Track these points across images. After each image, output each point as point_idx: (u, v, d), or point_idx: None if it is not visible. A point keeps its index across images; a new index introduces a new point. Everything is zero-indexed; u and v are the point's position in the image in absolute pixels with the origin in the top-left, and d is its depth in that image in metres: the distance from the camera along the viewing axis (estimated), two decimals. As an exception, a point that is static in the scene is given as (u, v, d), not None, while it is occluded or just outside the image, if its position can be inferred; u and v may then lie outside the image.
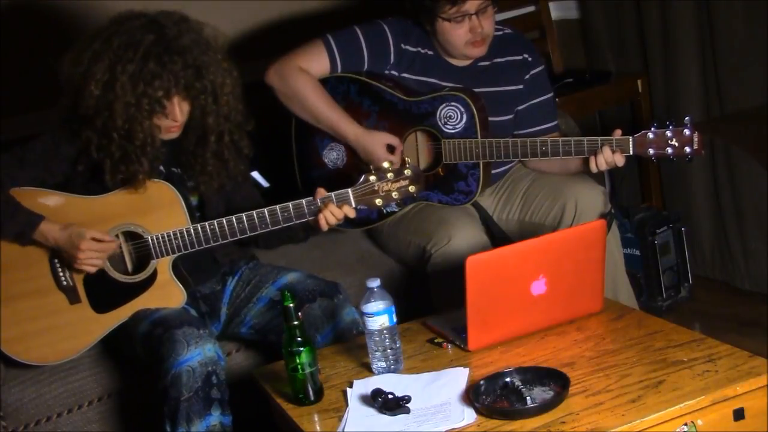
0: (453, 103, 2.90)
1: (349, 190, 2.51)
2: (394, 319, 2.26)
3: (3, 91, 3.24)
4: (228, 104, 2.52)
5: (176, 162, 2.61)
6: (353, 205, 2.51)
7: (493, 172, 3.04)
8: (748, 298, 3.56)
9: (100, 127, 2.44)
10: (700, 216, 3.69)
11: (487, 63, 3.01)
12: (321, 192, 2.51)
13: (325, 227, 2.52)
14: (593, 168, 2.77)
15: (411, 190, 2.53)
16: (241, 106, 2.57)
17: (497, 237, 3.06)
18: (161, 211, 2.53)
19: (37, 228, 2.46)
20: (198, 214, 2.64)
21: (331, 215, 2.49)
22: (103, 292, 2.55)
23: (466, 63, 2.99)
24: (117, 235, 2.54)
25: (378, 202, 2.52)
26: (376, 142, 2.92)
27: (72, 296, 2.56)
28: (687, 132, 2.67)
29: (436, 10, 2.84)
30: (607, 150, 2.73)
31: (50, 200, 2.52)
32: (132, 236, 2.56)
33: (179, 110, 2.47)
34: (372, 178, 2.51)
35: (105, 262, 2.53)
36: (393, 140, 2.92)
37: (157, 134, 2.48)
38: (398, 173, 2.52)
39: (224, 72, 2.50)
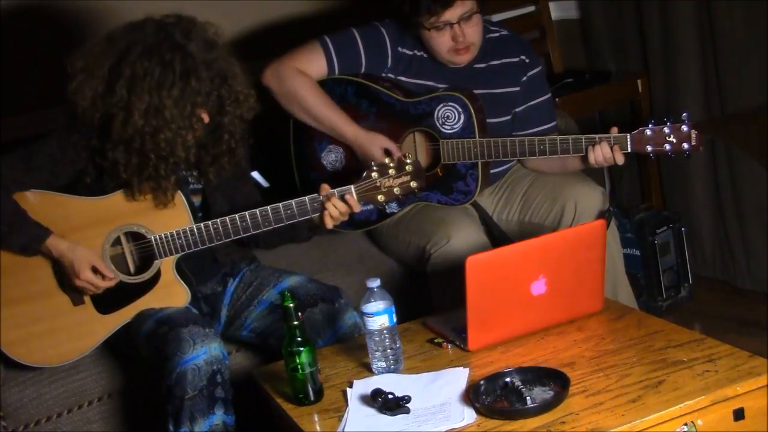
0: (450, 104, 2.90)
1: (352, 186, 2.52)
2: (394, 319, 2.26)
3: (3, 91, 3.24)
4: (246, 110, 2.53)
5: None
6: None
7: (492, 171, 3.04)
8: (748, 298, 3.56)
9: (137, 148, 2.42)
10: (700, 216, 3.69)
11: (483, 65, 3.00)
12: (324, 188, 2.52)
13: (330, 224, 2.52)
14: (591, 161, 2.76)
15: (413, 186, 2.54)
16: (247, 91, 2.56)
17: (497, 237, 3.06)
18: (164, 211, 2.53)
19: (42, 243, 2.46)
20: (200, 214, 2.64)
21: (334, 208, 2.49)
22: (107, 292, 2.55)
23: (461, 65, 2.99)
24: (119, 237, 2.54)
25: (380, 198, 2.53)
26: (374, 143, 2.92)
27: (75, 297, 2.56)
28: (685, 128, 2.67)
29: (416, 19, 2.84)
30: (605, 145, 2.73)
31: (54, 202, 2.51)
32: (135, 236, 2.56)
33: (206, 116, 2.48)
34: (374, 174, 2.51)
35: (109, 263, 2.53)
36: (391, 145, 2.91)
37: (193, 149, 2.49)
38: (400, 169, 2.52)
39: (241, 73, 2.51)
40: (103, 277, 2.50)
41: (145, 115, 2.38)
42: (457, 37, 2.85)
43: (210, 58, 2.43)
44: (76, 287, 2.52)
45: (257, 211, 2.51)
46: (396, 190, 2.53)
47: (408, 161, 2.53)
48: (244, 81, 2.52)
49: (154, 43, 2.40)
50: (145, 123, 2.39)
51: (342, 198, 2.50)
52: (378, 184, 2.52)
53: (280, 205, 2.52)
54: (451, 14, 2.82)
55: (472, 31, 2.87)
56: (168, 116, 2.38)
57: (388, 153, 2.91)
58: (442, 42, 2.88)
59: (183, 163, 2.49)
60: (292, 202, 2.51)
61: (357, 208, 2.52)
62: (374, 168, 2.52)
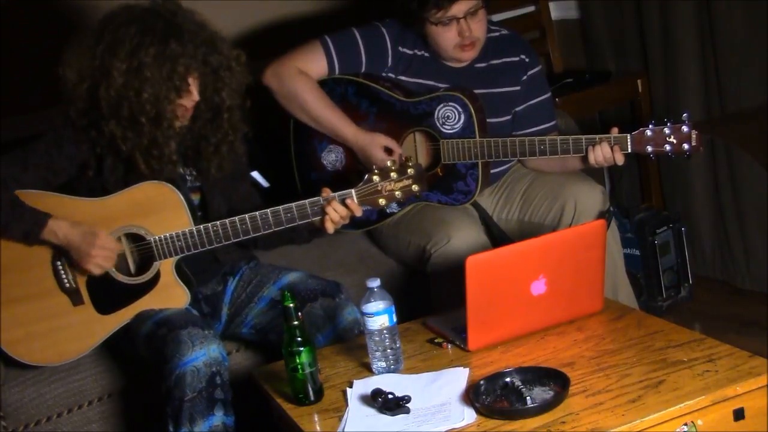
0: (451, 104, 2.90)
1: (353, 190, 2.51)
2: (394, 319, 2.26)
3: (3, 91, 3.24)
4: (240, 76, 2.53)
5: (182, 160, 2.62)
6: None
7: (492, 171, 3.04)
8: (748, 298, 3.56)
9: (126, 115, 2.43)
10: (700, 216, 3.69)
11: (483, 64, 3.01)
12: (325, 192, 2.51)
13: (331, 229, 2.52)
14: (591, 161, 2.77)
15: (414, 189, 2.53)
16: (238, 74, 2.58)
17: (497, 237, 3.06)
18: (164, 212, 2.53)
19: (45, 226, 2.45)
20: (200, 213, 2.64)
21: (334, 212, 2.49)
22: (106, 293, 2.55)
23: (462, 65, 2.99)
24: (119, 238, 2.54)
25: (381, 201, 2.52)
26: (374, 143, 2.92)
27: (75, 298, 2.56)
28: (685, 129, 2.68)
29: (423, 14, 2.84)
30: (605, 145, 2.73)
31: (53, 202, 2.51)
32: (135, 238, 2.56)
33: (195, 89, 2.48)
34: (375, 177, 2.51)
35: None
36: (391, 143, 2.92)
37: (179, 115, 2.49)
38: (401, 173, 2.51)
39: (229, 45, 2.53)
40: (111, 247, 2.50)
41: (126, 75, 2.40)
42: (463, 32, 2.86)
43: (195, 27, 2.45)
44: (89, 263, 2.48)
45: (257, 213, 2.51)
46: (397, 194, 2.52)
47: (410, 164, 2.52)
48: (232, 50, 2.53)
49: (139, 14, 2.44)
50: (126, 83, 2.40)
51: (342, 202, 2.50)
52: (379, 188, 2.51)
53: (281, 208, 2.51)
54: (458, 9, 2.82)
55: (478, 27, 2.88)
56: (148, 74, 2.39)
57: (389, 151, 2.91)
58: (448, 38, 2.88)
59: (173, 132, 2.47)
60: (293, 205, 2.51)
61: (358, 211, 2.51)
62: (376, 171, 2.51)
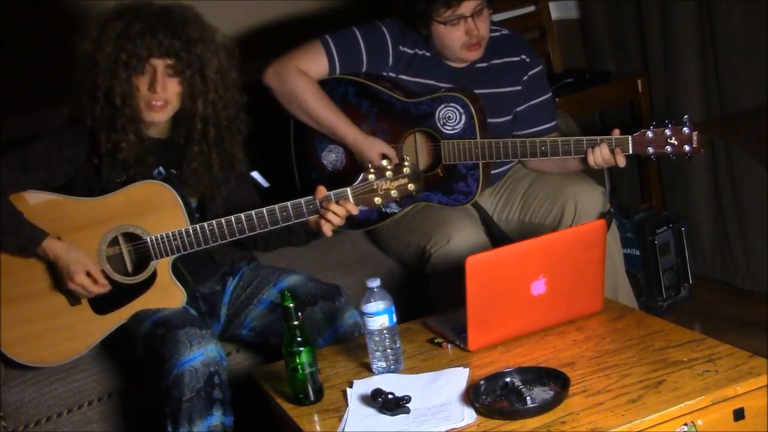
0: (452, 104, 2.90)
1: (348, 189, 2.51)
2: (394, 319, 2.26)
3: (3, 91, 3.24)
4: (217, 88, 2.51)
5: (174, 164, 2.62)
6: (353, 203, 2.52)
7: (493, 172, 3.04)
8: (748, 298, 3.56)
9: (88, 87, 2.46)
10: (700, 216, 3.69)
11: (484, 64, 3.00)
12: (321, 191, 2.50)
13: (328, 231, 2.51)
14: (590, 162, 2.77)
15: (410, 188, 2.53)
16: (235, 97, 2.57)
17: (497, 237, 3.06)
18: (160, 212, 2.53)
19: (39, 246, 2.46)
20: (198, 215, 2.64)
21: (332, 214, 2.49)
22: (103, 293, 2.55)
23: (463, 64, 2.99)
24: (116, 237, 2.54)
25: (377, 200, 2.52)
26: (372, 148, 2.91)
27: (72, 298, 2.56)
28: (686, 130, 2.67)
29: (431, 13, 2.84)
30: (604, 147, 2.73)
31: (51, 203, 2.51)
32: (131, 237, 2.56)
33: (161, 81, 2.45)
34: (371, 176, 2.50)
35: (105, 263, 2.53)
36: (389, 151, 2.91)
37: (137, 97, 2.47)
38: (397, 171, 2.51)
39: (218, 57, 2.50)
40: (96, 282, 2.50)
41: (92, 44, 2.44)
42: (471, 30, 2.86)
43: (183, 17, 2.45)
44: (69, 290, 2.51)
45: (253, 212, 2.51)
46: (393, 193, 2.52)
47: (406, 163, 2.52)
48: (216, 59, 2.50)
49: (145, 4, 2.47)
50: (90, 53, 2.44)
51: (338, 201, 2.49)
52: (375, 187, 2.51)
53: (276, 206, 2.51)
54: (466, 7, 2.83)
55: (483, 25, 2.89)
56: (107, 49, 2.42)
57: (386, 159, 2.90)
58: (455, 37, 2.88)
59: (128, 110, 2.46)
60: (288, 203, 2.51)
61: (355, 210, 2.51)
62: (371, 170, 2.51)
